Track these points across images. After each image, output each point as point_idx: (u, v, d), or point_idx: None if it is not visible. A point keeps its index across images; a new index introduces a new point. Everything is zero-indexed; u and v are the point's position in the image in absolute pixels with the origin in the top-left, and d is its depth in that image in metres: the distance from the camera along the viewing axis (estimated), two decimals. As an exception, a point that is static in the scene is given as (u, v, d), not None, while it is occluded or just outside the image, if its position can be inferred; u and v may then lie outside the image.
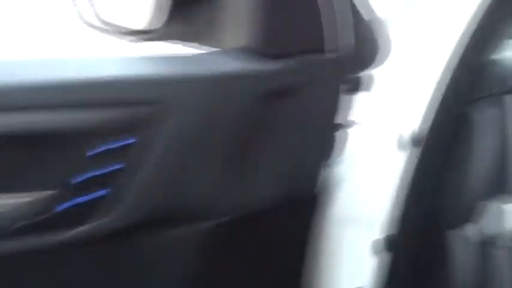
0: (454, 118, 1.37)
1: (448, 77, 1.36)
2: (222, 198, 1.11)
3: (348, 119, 1.55)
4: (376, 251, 1.45)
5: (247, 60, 1.12)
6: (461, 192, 1.37)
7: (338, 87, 1.33)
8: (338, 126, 1.43)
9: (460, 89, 1.36)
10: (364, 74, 1.43)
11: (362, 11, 1.35)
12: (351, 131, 1.52)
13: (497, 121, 1.33)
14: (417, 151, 1.40)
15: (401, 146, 1.43)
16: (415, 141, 1.40)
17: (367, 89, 1.46)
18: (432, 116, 1.37)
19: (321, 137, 1.33)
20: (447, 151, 1.38)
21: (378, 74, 1.46)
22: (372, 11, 1.37)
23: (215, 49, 1.20)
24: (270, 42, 1.14)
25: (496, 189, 1.31)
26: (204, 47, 1.24)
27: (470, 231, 1.34)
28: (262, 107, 1.11)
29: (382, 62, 1.41)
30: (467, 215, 1.35)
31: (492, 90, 1.35)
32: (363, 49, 1.39)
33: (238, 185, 1.12)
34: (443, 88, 1.36)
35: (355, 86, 1.46)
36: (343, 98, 1.42)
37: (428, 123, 1.38)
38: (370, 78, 1.45)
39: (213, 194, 1.10)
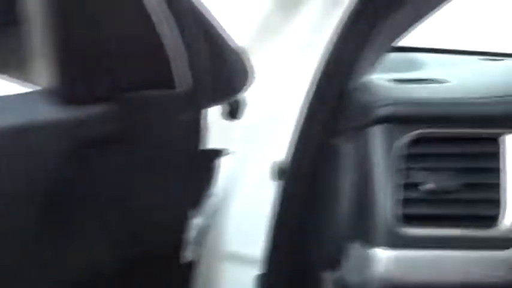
0: (318, 149, 1.28)
1: (310, 106, 1.27)
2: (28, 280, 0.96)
3: (219, 149, 1.50)
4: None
5: (51, 108, 0.93)
6: (328, 231, 1.29)
7: (196, 120, 1.24)
8: (206, 158, 1.35)
9: (321, 119, 1.28)
10: (234, 101, 1.37)
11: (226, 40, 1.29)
12: (223, 161, 1.47)
13: (361, 154, 1.24)
14: (283, 183, 1.32)
15: (272, 177, 1.37)
16: (280, 172, 1.32)
17: (239, 116, 1.41)
18: (295, 146, 1.29)
19: (182, 174, 1.23)
20: (311, 184, 1.30)
21: (248, 102, 1.41)
22: (232, 41, 1.31)
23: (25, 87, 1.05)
24: (82, 84, 0.98)
25: (363, 228, 1.23)
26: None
27: (337, 276, 1.26)
28: (82, 160, 0.97)
29: (246, 89, 1.34)
30: (336, 256, 1.27)
31: (356, 122, 1.26)
32: (226, 76, 1.31)
33: (54, 259, 0.97)
34: (305, 118, 1.28)
35: (229, 113, 1.41)
36: (208, 128, 1.36)
37: (292, 154, 1.30)
38: (242, 105, 1.39)
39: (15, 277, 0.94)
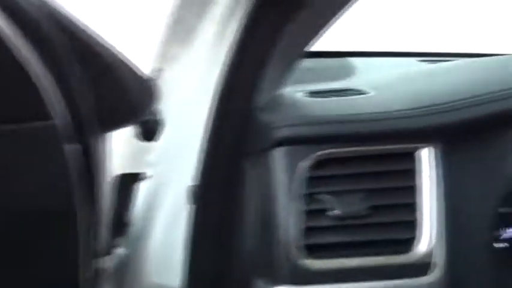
0: (225, 174, 1.19)
1: (213, 126, 1.17)
2: None
3: (136, 173, 1.42)
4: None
5: None
6: (237, 266, 1.19)
7: (87, 147, 1.15)
8: (122, 184, 1.29)
9: (226, 141, 1.18)
10: (147, 121, 1.28)
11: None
12: (141, 186, 1.37)
13: (263, 180, 1.14)
14: (194, 209, 1.22)
15: (188, 201, 1.28)
16: (194, 197, 1.22)
17: (155, 138, 1.32)
18: (202, 170, 1.19)
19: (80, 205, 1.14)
20: (221, 212, 1.20)
21: (164, 122, 1.32)
22: (128, 59, 1.21)
23: None
24: None
25: (265, 263, 1.12)
26: None
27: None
28: None
29: (151, 109, 1.25)
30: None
31: (258, 144, 1.16)
32: (122, 97, 1.22)
33: None
34: (209, 140, 1.18)
35: (143, 135, 1.33)
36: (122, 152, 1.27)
37: (200, 179, 1.20)
38: (157, 125, 1.31)
39: None
